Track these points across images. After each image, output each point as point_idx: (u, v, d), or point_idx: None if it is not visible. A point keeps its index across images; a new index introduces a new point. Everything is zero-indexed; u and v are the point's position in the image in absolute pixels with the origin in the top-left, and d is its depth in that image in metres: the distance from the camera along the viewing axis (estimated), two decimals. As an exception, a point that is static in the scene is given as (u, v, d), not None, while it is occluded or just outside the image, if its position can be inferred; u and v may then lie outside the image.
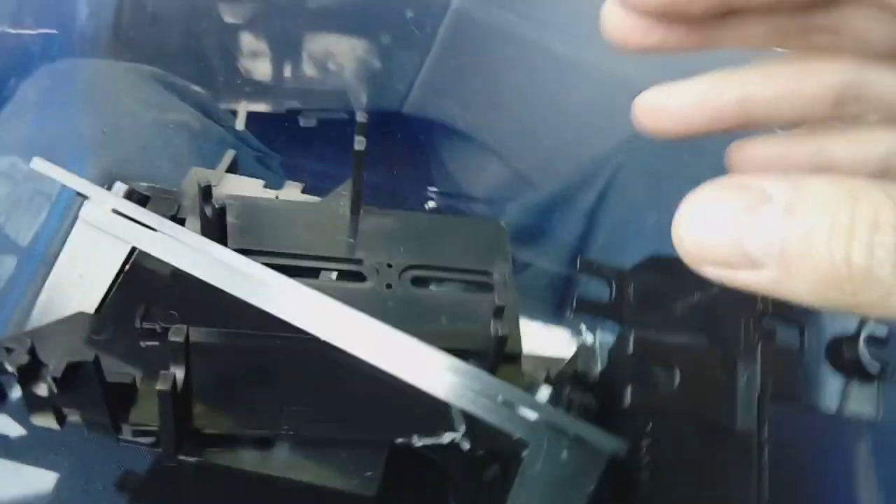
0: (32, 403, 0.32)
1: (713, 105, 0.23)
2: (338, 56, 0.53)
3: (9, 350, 0.31)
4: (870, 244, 0.16)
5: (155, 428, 0.33)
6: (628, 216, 0.52)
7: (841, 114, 0.23)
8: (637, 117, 0.24)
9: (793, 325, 0.36)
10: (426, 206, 0.61)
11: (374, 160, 0.60)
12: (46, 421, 0.33)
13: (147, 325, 0.36)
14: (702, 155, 0.61)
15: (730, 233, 0.17)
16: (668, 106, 0.24)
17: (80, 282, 0.37)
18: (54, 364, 0.31)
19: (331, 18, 0.50)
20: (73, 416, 0.33)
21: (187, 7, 0.48)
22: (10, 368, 0.31)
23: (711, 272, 0.18)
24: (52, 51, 0.39)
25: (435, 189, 0.60)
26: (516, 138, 0.52)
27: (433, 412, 0.35)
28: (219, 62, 0.50)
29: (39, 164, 0.35)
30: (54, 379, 0.31)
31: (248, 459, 0.35)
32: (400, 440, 0.35)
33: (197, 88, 0.49)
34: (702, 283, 0.33)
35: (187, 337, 0.30)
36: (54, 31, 0.34)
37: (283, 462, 0.35)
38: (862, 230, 0.16)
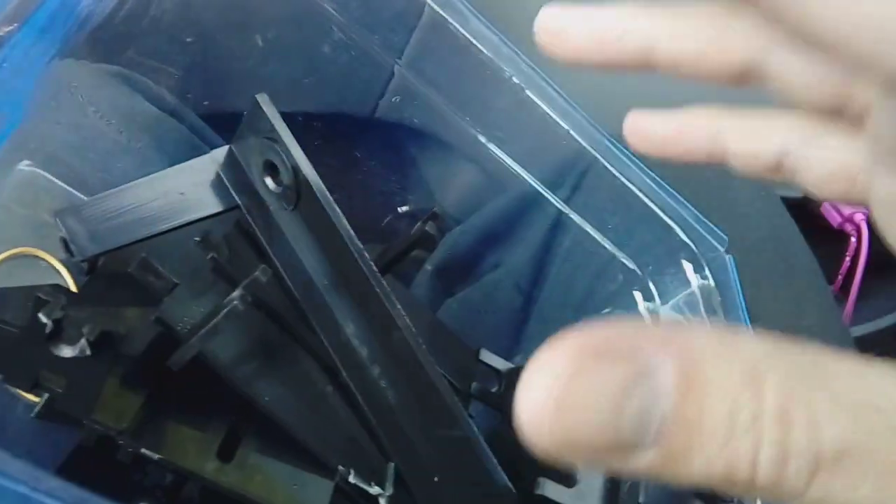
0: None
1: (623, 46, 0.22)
2: (313, 59, 0.53)
3: (42, 301, 0.30)
4: (781, 446, 0.13)
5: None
6: (593, 219, 0.52)
7: (741, 84, 0.22)
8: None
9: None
10: (399, 210, 0.61)
11: (348, 164, 0.61)
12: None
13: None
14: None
15: (602, 417, 0.14)
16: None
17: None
18: (88, 328, 0.30)
19: (307, 22, 0.51)
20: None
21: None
22: (44, 320, 0.30)
23: (570, 456, 0.14)
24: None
25: (408, 193, 0.61)
26: (490, 142, 0.53)
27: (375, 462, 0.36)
28: (192, 63, 0.51)
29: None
30: (89, 342, 0.30)
31: (208, 466, 0.36)
32: (341, 468, 0.36)
33: (165, 90, 0.50)
34: None
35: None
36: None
37: (236, 474, 0.36)
38: (769, 430, 0.13)
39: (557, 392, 0.14)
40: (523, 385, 0.14)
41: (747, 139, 0.24)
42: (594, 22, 0.22)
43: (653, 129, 0.25)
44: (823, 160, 0.22)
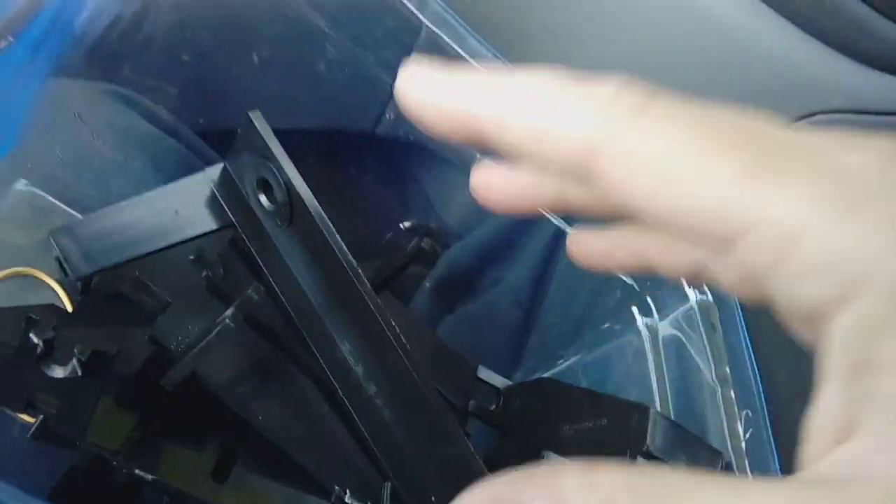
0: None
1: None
2: (309, 77, 0.53)
3: (33, 321, 0.30)
4: None
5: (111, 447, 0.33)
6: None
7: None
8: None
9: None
10: (401, 226, 0.61)
11: (348, 181, 0.61)
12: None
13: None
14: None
15: None
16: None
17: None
18: (79, 348, 0.30)
19: (303, 40, 0.51)
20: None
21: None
22: (35, 340, 0.29)
23: None
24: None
25: (410, 208, 0.61)
26: (489, 157, 0.53)
27: (371, 483, 0.36)
28: (187, 80, 0.51)
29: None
30: (80, 362, 0.30)
31: (203, 487, 0.35)
32: (336, 488, 0.36)
33: (161, 108, 0.50)
34: (594, 412, 0.35)
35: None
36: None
37: (231, 495, 0.36)
38: None
39: None
40: None
41: (666, 255, 0.26)
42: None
43: (589, 247, 0.27)
44: (728, 271, 0.23)
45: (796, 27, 0.67)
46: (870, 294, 0.17)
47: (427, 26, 0.47)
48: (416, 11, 0.46)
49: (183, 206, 0.36)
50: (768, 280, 0.19)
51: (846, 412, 0.18)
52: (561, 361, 0.57)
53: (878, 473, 0.16)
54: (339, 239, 0.32)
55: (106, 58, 0.46)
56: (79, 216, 0.46)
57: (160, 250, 0.35)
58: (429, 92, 0.23)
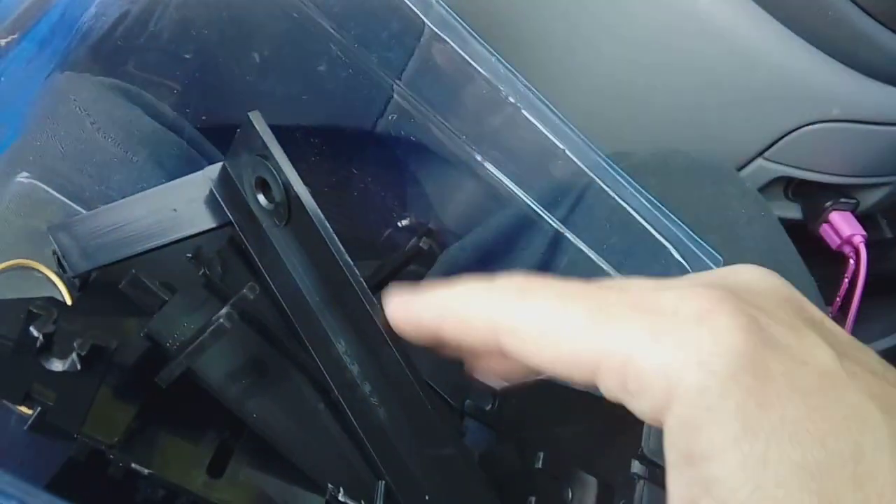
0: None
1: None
2: (312, 76, 0.54)
3: (34, 314, 0.30)
4: None
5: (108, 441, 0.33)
6: (590, 239, 0.53)
7: None
8: None
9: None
10: (399, 224, 0.62)
11: (347, 179, 0.61)
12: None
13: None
14: (668, 179, 0.63)
15: None
16: None
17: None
18: (79, 342, 0.30)
19: (306, 40, 0.51)
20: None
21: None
22: (36, 334, 0.30)
23: None
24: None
25: (408, 207, 0.61)
26: (487, 161, 0.53)
27: (365, 481, 0.37)
28: (191, 77, 0.51)
29: None
30: (79, 356, 0.30)
31: (197, 481, 0.35)
32: (331, 485, 0.36)
33: (164, 104, 0.50)
34: (590, 414, 0.36)
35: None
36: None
37: (226, 489, 0.36)
38: None
39: None
40: None
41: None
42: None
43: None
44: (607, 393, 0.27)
45: (797, 37, 0.67)
46: (680, 401, 0.22)
47: (430, 28, 0.47)
48: (419, 14, 0.47)
49: (181, 205, 0.36)
50: (621, 399, 0.24)
51: (687, 494, 0.22)
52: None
53: None
54: (336, 239, 0.33)
55: (111, 54, 0.47)
56: (79, 209, 0.47)
57: (157, 248, 0.36)
58: (399, 319, 0.31)
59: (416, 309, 0.30)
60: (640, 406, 0.23)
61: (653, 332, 0.22)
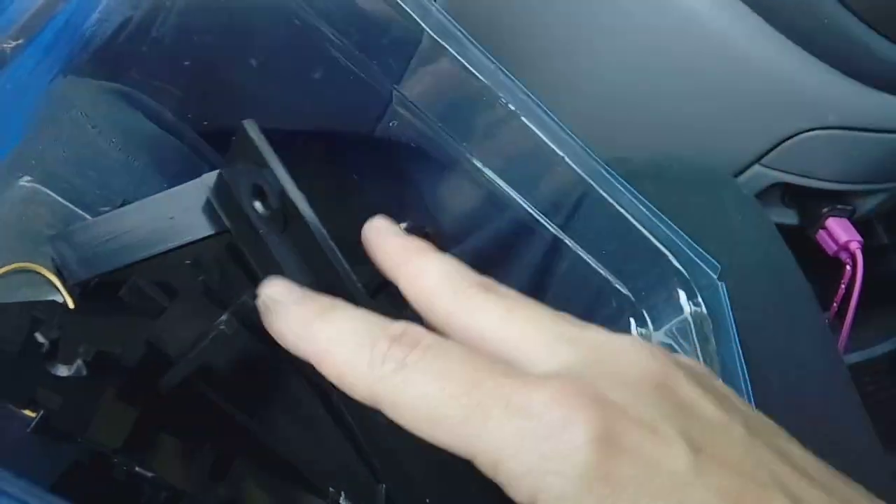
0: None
1: None
2: (312, 82, 0.54)
3: (38, 319, 0.30)
4: None
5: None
6: (588, 245, 0.53)
7: None
8: None
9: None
10: (399, 227, 0.62)
11: (346, 183, 0.61)
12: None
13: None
14: (665, 185, 0.63)
15: None
16: None
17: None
18: (84, 347, 0.31)
19: (306, 46, 0.51)
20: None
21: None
22: (42, 340, 0.30)
23: None
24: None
25: (407, 211, 0.62)
26: (487, 168, 0.53)
27: (367, 485, 0.37)
28: (192, 83, 0.52)
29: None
30: (85, 362, 0.31)
31: (199, 485, 0.36)
32: (331, 490, 0.36)
33: (166, 109, 0.50)
34: None
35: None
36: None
37: (227, 493, 0.36)
38: None
39: None
40: None
41: None
42: None
43: None
44: None
45: (794, 44, 0.67)
46: (545, 495, 0.23)
47: (429, 35, 0.48)
48: (419, 20, 0.47)
49: (178, 213, 0.37)
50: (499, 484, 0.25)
51: None
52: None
53: None
54: (333, 245, 0.33)
55: (113, 59, 0.47)
56: (80, 212, 0.47)
57: (156, 255, 0.36)
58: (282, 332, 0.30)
59: (291, 337, 0.30)
60: (515, 495, 0.25)
61: (521, 439, 0.24)
